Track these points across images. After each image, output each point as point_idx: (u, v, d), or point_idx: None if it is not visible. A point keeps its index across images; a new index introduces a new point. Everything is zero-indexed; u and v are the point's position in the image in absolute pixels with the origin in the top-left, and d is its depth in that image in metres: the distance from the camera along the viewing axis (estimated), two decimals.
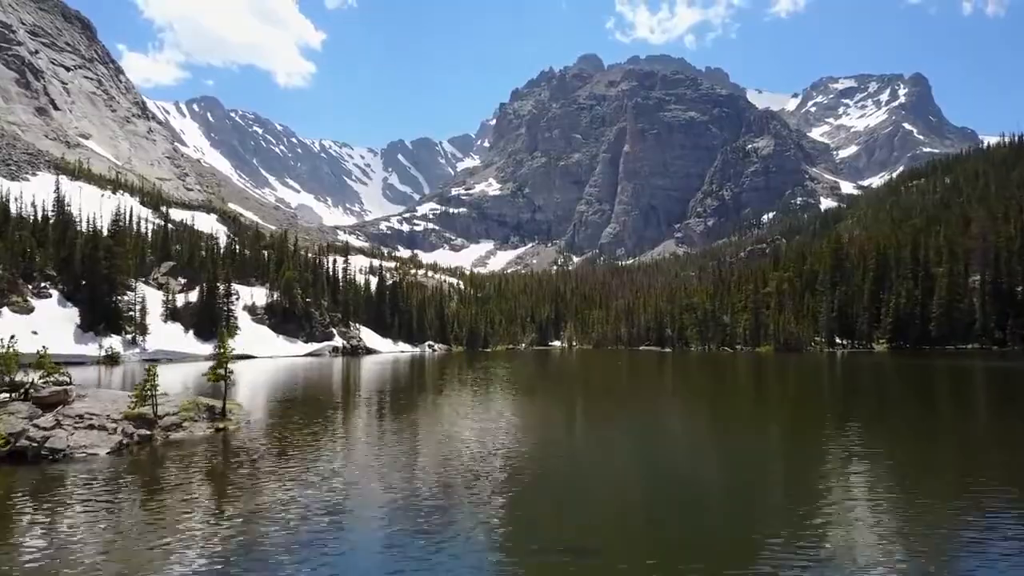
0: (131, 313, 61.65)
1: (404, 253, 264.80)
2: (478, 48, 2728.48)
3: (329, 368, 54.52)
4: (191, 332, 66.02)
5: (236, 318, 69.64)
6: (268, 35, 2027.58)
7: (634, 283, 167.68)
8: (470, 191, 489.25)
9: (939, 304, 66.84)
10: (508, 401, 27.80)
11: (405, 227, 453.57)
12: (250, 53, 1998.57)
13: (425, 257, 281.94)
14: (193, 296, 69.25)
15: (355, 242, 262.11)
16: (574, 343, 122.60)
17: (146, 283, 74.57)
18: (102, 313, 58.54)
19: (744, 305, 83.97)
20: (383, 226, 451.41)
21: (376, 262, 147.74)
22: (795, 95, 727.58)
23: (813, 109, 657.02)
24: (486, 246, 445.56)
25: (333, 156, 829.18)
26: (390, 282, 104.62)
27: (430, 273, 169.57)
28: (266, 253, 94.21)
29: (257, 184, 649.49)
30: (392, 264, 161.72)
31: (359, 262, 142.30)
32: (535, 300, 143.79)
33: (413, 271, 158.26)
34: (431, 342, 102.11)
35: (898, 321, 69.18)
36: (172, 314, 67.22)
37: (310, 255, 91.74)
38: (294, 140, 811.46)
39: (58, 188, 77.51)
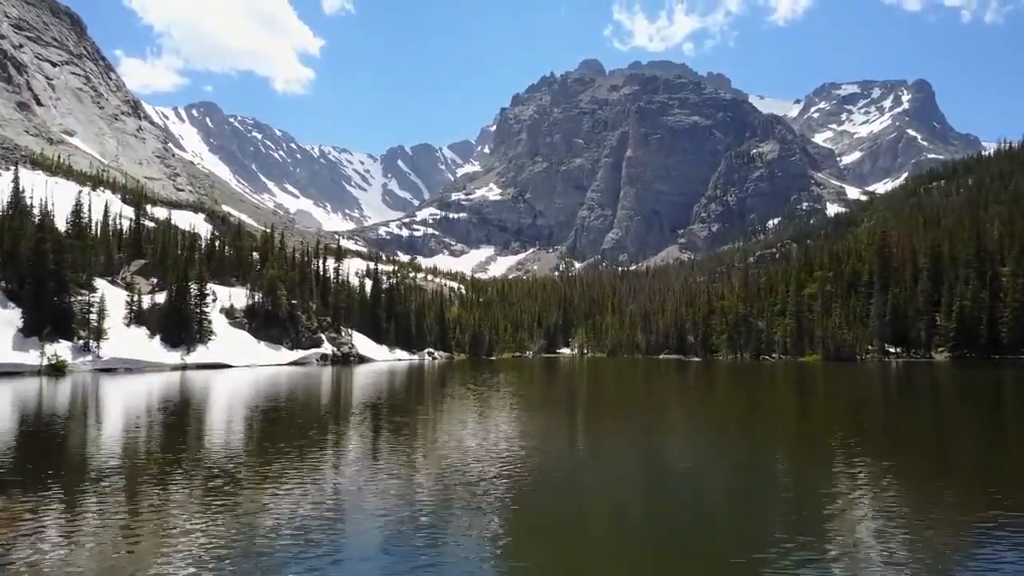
0: (89, 315, 53.52)
1: (403, 258, 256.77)
2: (477, 55, 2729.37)
3: (313, 380, 46.37)
4: (157, 338, 57.87)
5: (210, 321, 61.52)
6: (267, 41, 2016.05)
7: (643, 288, 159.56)
8: (470, 196, 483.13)
9: (1011, 306, 58.83)
10: (538, 439, 19.75)
11: (404, 232, 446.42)
12: (249, 59, 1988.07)
13: (424, 262, 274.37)
14: (163, 297, 61.13)
15: (353, 247, 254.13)
16: (586, 351, 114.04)
17: (112, 283, 66.62)
18: (49, 315, 50.35)
19: (781, 309, 75.70)
20: (382, 231, 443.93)
21: (373, 265, 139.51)
22: (797, 101, 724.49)
23: (816, 115, 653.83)
24: (486, 251, 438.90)
25: (332, 162, 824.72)
26: (386, 284, 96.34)
27: (429, 277, 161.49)
28: (254, 255, 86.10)
29: (256, 189, 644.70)
30: (390, 268, 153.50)
31: (355, 265, 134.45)
32: (541, 305, 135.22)
33: (412, 274, 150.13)
34: (431, 349, 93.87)
35: (962, 326, 61.08)
36: (137, 317, 59.11)
37: (298, 255, 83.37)
38: (293, 146, 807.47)
39: (16, 178, 69.43)
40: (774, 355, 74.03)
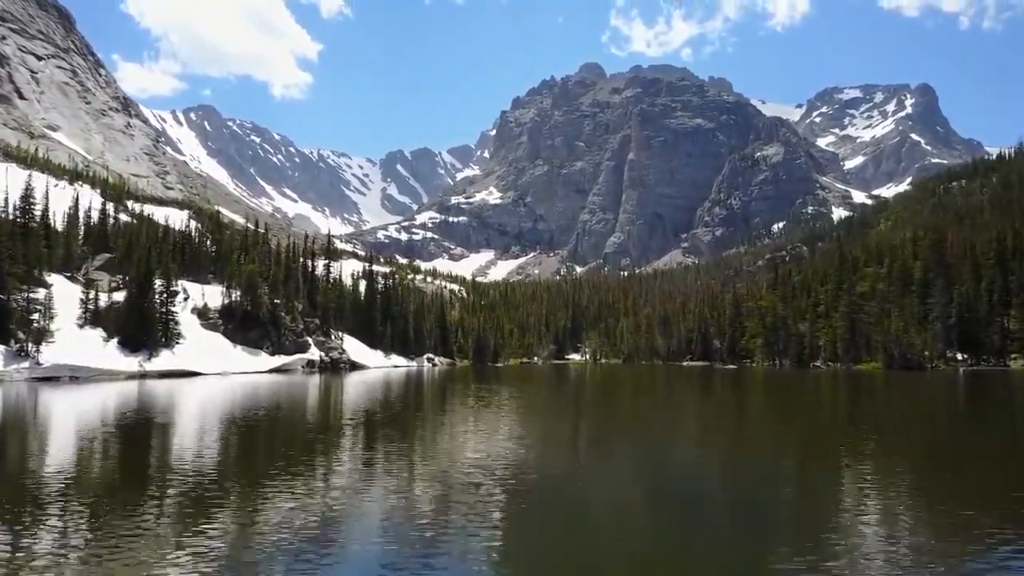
0: (31, 315, 45.77)
1: (402, 262, 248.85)
2: (476, 60, 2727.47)
3: (297, 390, 38.61)
4: (114, 341, 50.00)
5: (177, 323, 53.61)
6: (265, 46, 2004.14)
7: (654, 290, 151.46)
8: (470, 200, 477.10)
9: None
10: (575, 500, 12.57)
11: (403, 236, 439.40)
12: (247, 64, 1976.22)
13: (423, 266, 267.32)
14: (122, 296, 53.29)
15: (350, 249, 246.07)
16: (600, 357, 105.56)
17: (71, 279, 58.89)
18: None
19: (825, 311, 67.52)
20: (380, 235, 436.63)
21: (368, 265, 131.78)
22: (799, 106, 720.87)
23: (818, 120, 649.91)
24: (486, 256, 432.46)
25: (331, 166, 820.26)
26: (382, 284, 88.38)
27: (428, 279, 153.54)
28: (244, 255, 77.89)
29: (254, 193, 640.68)
30: (387, 269, 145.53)
31: (351, 267, 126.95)
32: (548, 308, 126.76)
33: (410, 276, 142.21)
34: (430, 355, 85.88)
35: None
36: (93, 318, 51.27)
37: (282, 252, 74.89)
38: (292, 149, 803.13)
39: None
40: (818, 362, 65.56)
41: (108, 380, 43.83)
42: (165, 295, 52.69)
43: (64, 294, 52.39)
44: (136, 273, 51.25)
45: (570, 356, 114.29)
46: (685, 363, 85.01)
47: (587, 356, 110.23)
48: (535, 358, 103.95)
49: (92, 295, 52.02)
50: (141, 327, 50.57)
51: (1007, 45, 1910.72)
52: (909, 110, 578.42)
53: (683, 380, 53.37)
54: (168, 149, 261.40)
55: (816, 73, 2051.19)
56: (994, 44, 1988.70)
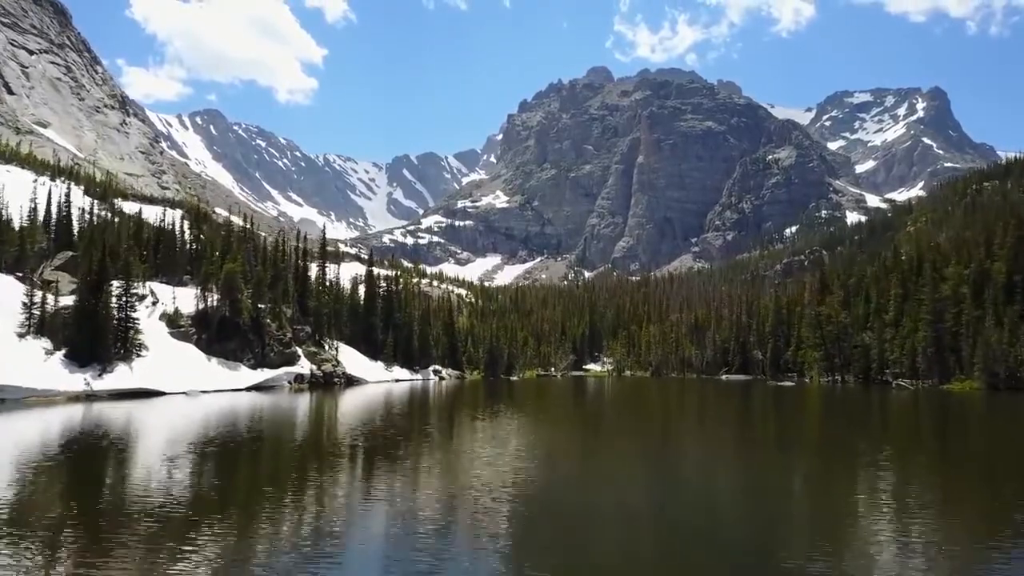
0: None
1: (407, 265, 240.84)
2: (480, 65, 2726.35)
3: (275, 415, 30.40)
4: (60, 353, 41.78)
5: (139, 331, 45.33)
6: (270, 51, 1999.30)
7: (672, 296, 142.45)
8: (476, 203, 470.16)
9: None
10: None
11: (409, 240, 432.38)
12: (252, 69, 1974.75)
13: (429, 271, 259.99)
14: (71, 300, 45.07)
15: (352, 251, 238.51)
16: (624, 369, 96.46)
17: (23, 279, 50.76)
18: None
19: (894, 318, 58.28)
20: (386, 239, 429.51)
21: (369, 268, 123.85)
22: (808, 109, 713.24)
23: (828, 124, 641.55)
24: (493, 260, 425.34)
25: (337, 170, 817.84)
26: (384, 288, 79.96)
27: (435, 283, 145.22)
28: (219, 252, 69.58)
29: (260, 198, 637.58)
30: (391, 272, 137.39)
31: (354, 270, 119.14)
32: (564, 315, 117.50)
33: (415, 280, 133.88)
34: (437, 367, 77.37)
35: None
36: (39, 326, 43.12)
37: (269, 250, 66.38)
38: (298, 154, 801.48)
39: None
40: (892, 379, 55.96)
41: (44, 403, 35.68)
42: (124, 298, 44.45)
43: (10, 298, 44.44)
44: (87, 271, 43.00)
45: (589, 366, 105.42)
46: (723, 377, 75.97)
47: (609, 367, 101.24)
48: (552, 370, 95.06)
49: (38, 298, 43.85)
50: (94, 337, 42.34)
51: (1015, 50, 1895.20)
52: (921, 114, 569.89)
53: (743, 403, 44.63)
54: (174, 153, 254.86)
55: (822, 79, 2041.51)
56: (1002, 49, 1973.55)
